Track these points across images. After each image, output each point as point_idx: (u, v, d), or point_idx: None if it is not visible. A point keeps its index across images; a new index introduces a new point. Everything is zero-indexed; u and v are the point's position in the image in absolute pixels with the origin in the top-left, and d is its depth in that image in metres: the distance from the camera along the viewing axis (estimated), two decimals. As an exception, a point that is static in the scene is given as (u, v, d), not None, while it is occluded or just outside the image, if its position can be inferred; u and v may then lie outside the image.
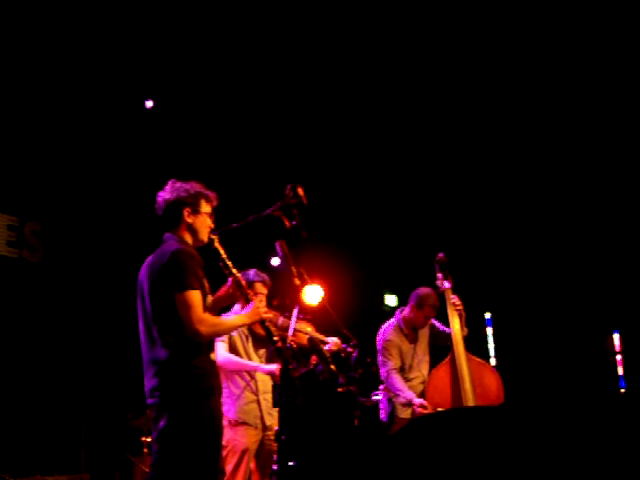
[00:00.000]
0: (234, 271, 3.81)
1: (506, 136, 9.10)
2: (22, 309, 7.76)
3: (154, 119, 8.31)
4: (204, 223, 3.79)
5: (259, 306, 3.77)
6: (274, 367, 4.84)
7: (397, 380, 5.49)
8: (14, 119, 7.74)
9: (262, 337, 5.09)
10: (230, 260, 3.81)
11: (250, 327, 5.13)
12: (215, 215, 3.93)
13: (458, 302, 5.56)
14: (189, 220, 3.77)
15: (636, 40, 7.63)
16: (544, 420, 2.81)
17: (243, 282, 3.84)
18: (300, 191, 3.92)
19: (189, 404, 3.51)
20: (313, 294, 4.24)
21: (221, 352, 5.02)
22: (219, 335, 3.69)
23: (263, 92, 8.32)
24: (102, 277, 8.28)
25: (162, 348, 3.56)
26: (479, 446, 2.70)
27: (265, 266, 7.03)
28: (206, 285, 3.73)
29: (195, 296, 3.55)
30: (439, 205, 9.80)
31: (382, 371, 5.58)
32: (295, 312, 4.26)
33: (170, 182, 3.85)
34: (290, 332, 4.15)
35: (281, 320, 4.91)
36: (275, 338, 3.77)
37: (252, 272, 5.20)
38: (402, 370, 5.66)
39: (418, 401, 5.33)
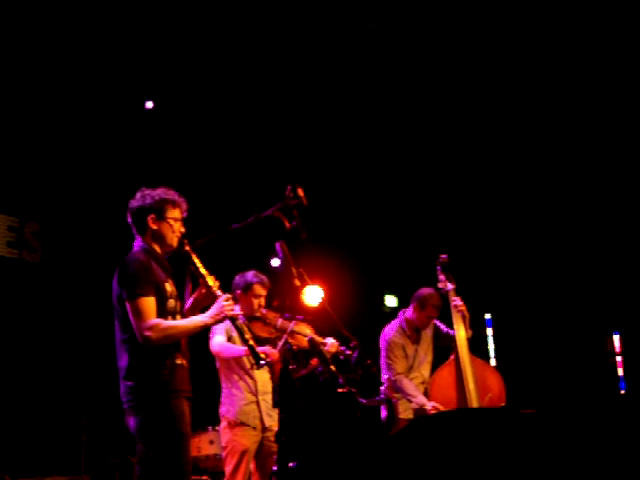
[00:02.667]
0: (204, 272, 3.84)
1: (507, 138, 9.10)
2: (22, 310, 7.77)
3: (154, 120, 8.31)
4: (170, 229, 3.83)
5: (224, 304, 3.75)
6: (266, 348, 4.79)
7: (408, 385, 5.48)
8: (14, 120, 7.74)
9: (260, 338, 5.09)
10: (202, 262, 3.85)
11: (249, 328, 5.12)
12: (214, 217, 3.94)
13: (460, 304, 5.54)
14: (154, 226, 3.82)
15: (636, 40, 7.63)
16: (545, 421, 2.81)
17: (212, 283, 3.84)
18: (300, 192, 3.92)
19: (150, 408, 3.60)
20: (313, 295, 4.24)
21: (217, 341, 5.03)
22: (175, 339, 3.69)
23: (264, 93, 8.31)
24: (102, 278, 8.26)
25: (124, 354, 3.67)
26: (482, 447, 2.69)
27: (265, 267, 7.02)
28: (169, 289, 3.77)
29: (144, 303, 3.60)
30: (439, 206, 9.80)
31: (387, 374, 5.55)
32: (292, 323, 4.27)
33: (139, 190, 3.92)
34: (287, 331, 4.16)
35: (280, 322, 4.90)
36: (247, 336, 3.82)
37: (251, 273, 5.20)
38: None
39: (431, 405, 5.32)
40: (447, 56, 8.12)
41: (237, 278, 5.24)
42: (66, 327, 8.01)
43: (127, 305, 3.62)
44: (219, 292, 3.82)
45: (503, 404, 5.38)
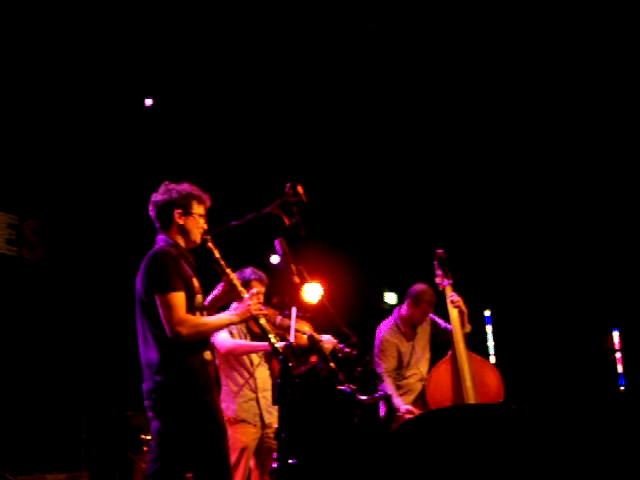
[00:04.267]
0: (227, 270, 3.84)
1: (506, 134, 9.09)
2: (22, 307, 7.77)
3: (154, 117, 8.31)
4: (196, 224, 3.82)
5: (250, 304, 3.77)
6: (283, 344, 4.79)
7: (388, 385, 5.45)
8: (14, 118, 7.74)
9: (259, 335, 5.09)
10: (224, 259, 3.84)
11: (248, 325, 5.13)
12: (214, 214, 3.94)
13: (457, 299, 5.50)
14: (180, 221, 3.80)
15: (636, 40, 7.63)
16: (544, 417, 2.82)
17: (236, 281, 3.84)
18: (300, 189, 3.92)
19: (183, 404, 3.55)
20: (312, 292, 4.23)
21: (228, 339, 5.02)
22: (204, 336, 3.69)
23: (263, 90, 8.31)
24: (102, 275, 8.28)
25: (154, 350, 3.62)
26: (479, 443, 2.70)
27: (264, 264, 7.03)
28: (196, 285, 3.76)
29: (175, 298, 3.58)
30: (438, 202, 9.80)
31: (377, 371, 5.55)
32: (294, 314, 4.26)
33: (163, 184, 3.89)
34: (291, 338, 4.16)
35: (279, 319, 4.90)
36: (270, 335, 3.80)
37: (249, 270, 5.20)
38: (400, 368, 5.64)
39: (404, 408, 5.32)
40: (446, 55, 8.11)
41: (236, 275, 5.23)
42: (66, 325, 8.02)
43: (157, 299, 3.57)
44: (244, 290, 3.83)
45: (501, 400, 5.37)
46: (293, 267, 3.98)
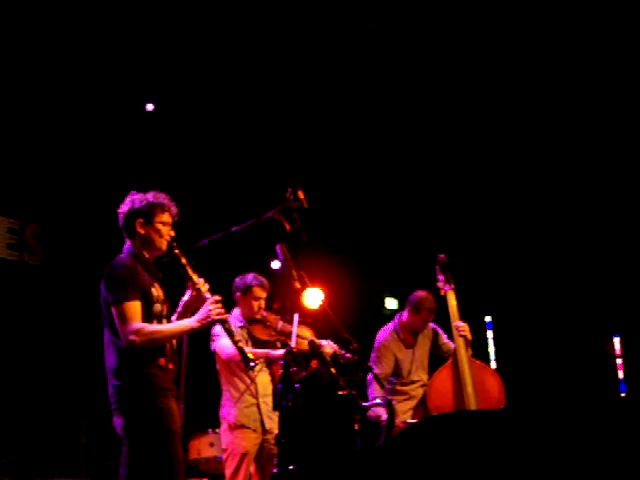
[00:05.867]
0: (194, 277, 3.85)
1: (507, 139, 9.10)
2: (22, 312, 7.76)
3: (155, 122, 8.31)
4: (157, 233, 3.84)
5: (210, 309, 3.74)
6: (282, 351, 4.78)
7: (375, 390, 5.37)
8: (15, 122, 7.74)
9: (260, 340, 5.09)
10: (191, 266, 3.86)
11: (249, 331, 5.13)
12: (215, 220, 3.94)
13: (462, 327, 5.38)
14: (142, 231, 3.84)
15: (636, 40, 7.63)
16: (545, 424, 2.81)
17: (201, 286, 3.83)
18: (301, 194, 3.92)
19: (136, 407, 3.64)
20: (313, 297, 4.23)
21: (229, 346, 5.01)
22: (159, 343, 3.71)
23: (264, 95, 8.32)
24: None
25: (112, 355, 3.73)
26: (480, 449, 2.69)
27: (265, 269, 7.03)
28: (156, 293, 3.78)
29: (129, 307, 3.64)
30: (440, 208, 9.80)
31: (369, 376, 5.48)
32: (296, 321, 4.26)
33: (129, 194, 3.94)
34: (292, 342, 4.16)
35: (281, 324, 4.90)
36: (237, 338, 3.85)
37: (250, 276, 5.19)
38: (400, 376, 5.59)
39: (385, 417, 5.28)
40: (445, 56, 8.12)
41: (237, 280, 5.24)
42: (66, 329, 8.00)
43: (112, 309, 3.67)
44: (208, 295, 3.81)
45: (503, 407, 5.35)
46: (294, 272, 3.98)
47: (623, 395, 9.97)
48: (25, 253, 8.06)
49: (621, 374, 10.16)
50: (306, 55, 8.01)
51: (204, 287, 3.85)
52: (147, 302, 3.72)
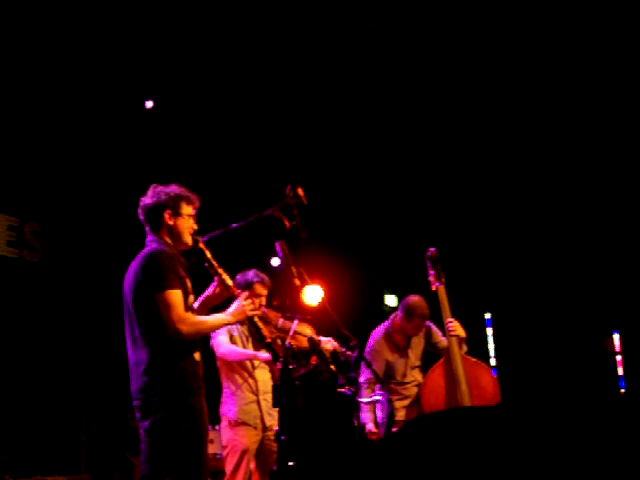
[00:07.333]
0: (220, 270, 3.82)
1: (506, 135, 9.10)
2: (22, 309, 7.77)
3: (154, 119, 8.31)
4: (185, 225, 3.81)
5: (244, 304, 3.75)
6: (268, 355, 4.78)
7: (364, 395, 5.30)
8: (14, 120, 7.74)
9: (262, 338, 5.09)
10: (215, 260, 3.83)
11: (249, 329, 5.13)
12: (215, 216, 3.94)
13: (453, 327, 5.29)
14: (170, 222, 3.79)
15: (636, 40, 7.63)
16: (543, 420, 2.81)
17: (229, 282, 3.83)
18: (300, 191, 3.92)
19: (172, 404, 3.54)
20: (313, 294, 4.23)
21: (224, 344, 5.03)
22: (201, 334, 3.69)
23: (264, 92, 8.31)
24: (102, 277, 8.28)
25: (144, 349, 3.59)
26: (476, 446, 2.69)
27: (265, 266, 7.03)
28: (189, 285, 3.75)
29: (175, 296, 3.57)
30: (439, 205, 9.80)
31: (359, 379, 5.44)
32: (295, 323, 4.27)
33: (151, 187, 3.88)
34: (289, 339, 4.16)
35: (281, 322, 4.90)
36: (265, 334, 3.80)
37: (251, 273, 5.19)
38: (393, 378, 5.56)
39: (369, 427, 5.28)
40: (444, 56, 8.11)
41: (238, 277, 5.24)
42: (66, 326, 8.02)
43: (157, 297, 3.54)
44: (238, 291, 3.83)
45: (498, 402, 5.32)
46: (294, 269, 3.98)
47: (623, 391, 9.98)
48: (25, 250, 8.07)
49: (621, 371, 10.17)
50: (305, 54, 8.00)
51: (231, 282, 3.84)
52: (185, 294, 3.67)
